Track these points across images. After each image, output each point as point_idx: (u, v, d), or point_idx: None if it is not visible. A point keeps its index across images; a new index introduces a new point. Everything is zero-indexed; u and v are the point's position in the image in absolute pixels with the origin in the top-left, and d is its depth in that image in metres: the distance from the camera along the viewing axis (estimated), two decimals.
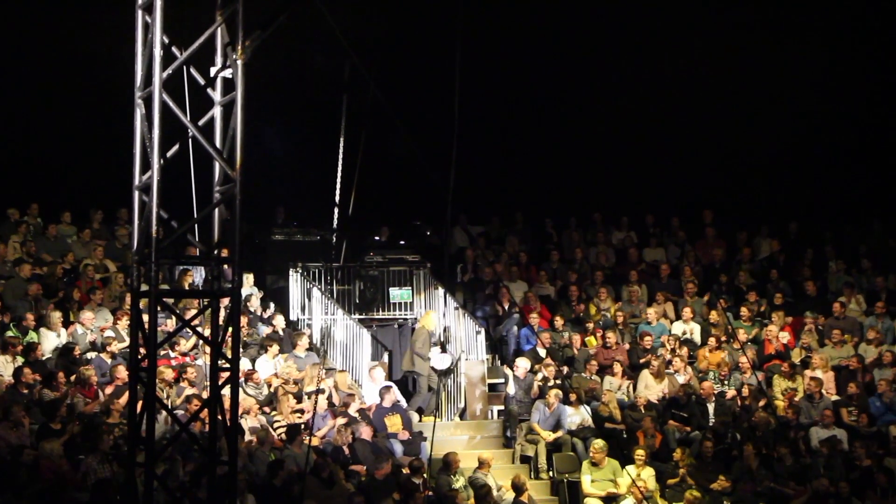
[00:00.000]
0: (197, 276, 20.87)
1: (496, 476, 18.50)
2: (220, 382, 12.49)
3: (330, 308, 21.79)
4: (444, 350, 21.07)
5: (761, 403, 20.36)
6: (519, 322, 22.47)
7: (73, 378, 18.00)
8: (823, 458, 19.24)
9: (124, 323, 19.43)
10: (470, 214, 25.80)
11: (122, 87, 12.88)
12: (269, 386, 19.36)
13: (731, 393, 20.94)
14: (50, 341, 19.28)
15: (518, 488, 17.95)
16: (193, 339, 19.32)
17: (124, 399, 16.83)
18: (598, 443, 18.96)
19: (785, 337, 22.21)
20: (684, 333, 22.51)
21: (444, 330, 21.58)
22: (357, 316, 21.77)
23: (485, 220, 26.26)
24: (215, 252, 12.80)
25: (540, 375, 20.79)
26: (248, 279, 21.75)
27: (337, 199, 23.32)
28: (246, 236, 13.59)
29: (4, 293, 20.31)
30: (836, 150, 26.55)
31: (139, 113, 12.33)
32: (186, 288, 20.51)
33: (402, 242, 24.10)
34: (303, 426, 18.12)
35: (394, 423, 19.28)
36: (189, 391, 18.15)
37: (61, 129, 23.42)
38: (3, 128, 23.36)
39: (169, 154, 12.54)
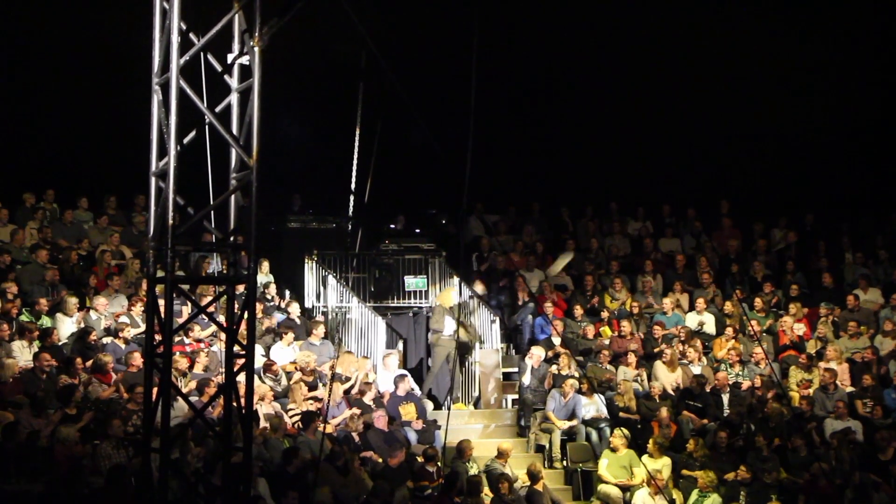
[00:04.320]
0: (215, 263, 20.90)
1: (511, 465, 18.50)
2: (235, 369, 12.52)
3: (345, 296, 21.81)
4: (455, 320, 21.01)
5: (770, 394, 20.33)
6: (534, 311, 22.46)
7: (89, 364, 18.05)
8: (834, 449, 19.22)
9: (139, 309, 19.49)
10: (486, 203, 25.78)
11: (139, 73, 12.89)
12: (287, 375, 19.37)
13: (745, 384, 20.91)
14: (66, 327, 19.33)
15: (533, 477, 17.97)
16: (213, 327, 19.35)
17: None
18: (623, 431, 18.95)
19: (800, 328, 22.18)
20: (701, 325, 22.49)
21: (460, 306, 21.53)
22: (372, 304, 21.78)
23: (501, 208, 26.23)
24: (231, 239, 12.82)
25: (555, 367, 20.74)
26: (264, 266, 21.78)
27: (353, 186, 23.33)
28: (261, 223, 13.59)
29: (21, 278, 20.37)
30: (853, 141, 26.49)
31: (156, 99, 12.35)
32: (205, 275, 20.55)
33: (417, 231, 24.09)
34: (317, 413, 18.17)
35: (408, 411, 19.31)
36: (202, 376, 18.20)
37: (78, 115, 23.45)
38: (20, 113, 23.42)
39: (186, 140, 12.57)
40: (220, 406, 15.54)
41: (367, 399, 19.12)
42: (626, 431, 18.99)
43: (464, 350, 20.90)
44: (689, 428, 19.89)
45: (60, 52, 23.45)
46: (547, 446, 19.66)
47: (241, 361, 12.59)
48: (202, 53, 12.66)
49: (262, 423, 17.57)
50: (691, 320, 22.62)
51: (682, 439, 19.59)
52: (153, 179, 12.43)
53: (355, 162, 23.05)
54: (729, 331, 21.95)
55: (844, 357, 21.48)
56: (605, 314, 22.57)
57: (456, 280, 22.05)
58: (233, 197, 12.81)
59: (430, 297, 22.27)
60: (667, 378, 20.85)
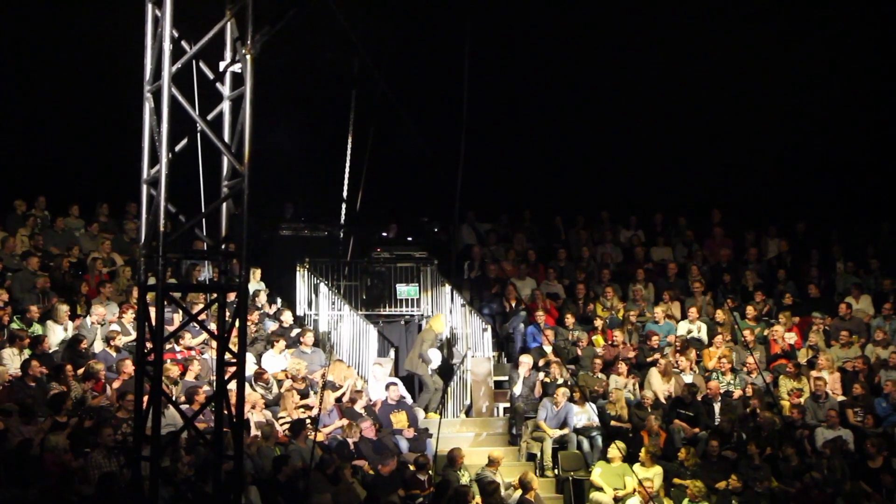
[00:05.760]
0: (206, 271, 20.88)
1: (502, 473, 18.48)
2: (226, 377, 12.50)
3: (337, 304, 21.80)
4: (440, 349, 21.08)
5: (763, 402, 20.32)
6: (525, 320, 22.45)
7: (79, 372, 18.00)
8: (826, 458, 19.22)
9: (129, 316, 19.44)
10: (478, 211, 25.79)
11: (131, 80, 12.91)
12: (278, 383, 19.34)
13: (737, 393, 20.91)
14: (56, 334, 19.27)
15: (525, 486, 17.93)
16: (204, 334, 19.31)
17: None
18: (619, 444, 18.93)
19: (792, 337, 22.18)
20: (690, 333, 22.48)
21: (451, 331, 21.65)
22: (364, 312, 21.77)
23: (493, 217, 26.24)
24: (223, 247, 12.81)
25: (542, 374, 20.73)
26: (256, 274, 21.76)
27: (345, 194, 23.32)
28: (253, 231, 13.60)
29: (12, 286, 20.32)
30: (844, 150, 26.52)
31: (148, 107, 12.36)
32: (196, 283, 20.53)
33: (409, 239, 24.08)
34: (308, 421, 18.13)
35: (399, 419, 19.28)
36: (193, 384, 18.16)
37: (70, 122, 23.44)
38: (12, 120, 23.38)
39: (177, 148, 12.57)
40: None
41: (358, 407, 19.09)
42: (622, 445, 18.95)
43: (448, 370, 20.98)
44: (681, 437, 19.87)
45: (52, 58, 23.42)
46: (538, 455, 19.65)
47: (233, 369, 12.58)
48: (194, 61, 12.67)
49: (254, 431, 17.53)
50: (683, 329, 22.61)
51: (674, 448, 19.57)
52: (145, 187, 12.43)
53: (347, 170, 23.04)
54: (720, 339, 21.95)
55: (836, 366, 21.49)
56: (597, 322, 22.53)
57: (448, 289, 22.06)
58: (224, 205, 12.81)
59: (421, 305, 22.28)
60: (660, 386, 20.83)
